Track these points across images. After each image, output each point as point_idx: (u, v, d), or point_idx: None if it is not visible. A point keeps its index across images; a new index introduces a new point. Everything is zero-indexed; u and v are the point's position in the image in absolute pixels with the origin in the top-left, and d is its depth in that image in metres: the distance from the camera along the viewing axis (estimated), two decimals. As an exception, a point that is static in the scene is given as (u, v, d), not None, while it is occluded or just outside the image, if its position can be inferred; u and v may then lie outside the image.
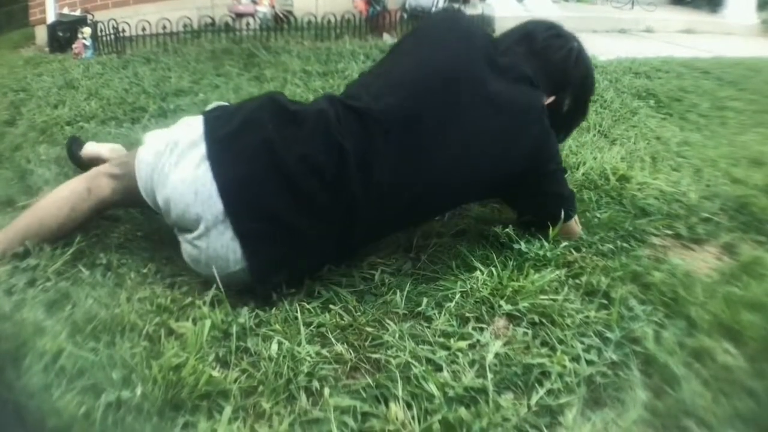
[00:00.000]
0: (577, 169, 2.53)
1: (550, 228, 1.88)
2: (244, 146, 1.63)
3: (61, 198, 1.78)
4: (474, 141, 1.72)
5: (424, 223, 1.99)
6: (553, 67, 1.89)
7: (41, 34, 5.84)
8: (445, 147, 1.69)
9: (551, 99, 1.89)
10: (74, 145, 2.51)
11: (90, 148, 2.45)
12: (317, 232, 1.64)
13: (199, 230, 1.59)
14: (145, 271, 1.71)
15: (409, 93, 1.72)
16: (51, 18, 5.74)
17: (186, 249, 1.65)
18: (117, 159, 2.01)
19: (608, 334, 1.51)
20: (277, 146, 1.61)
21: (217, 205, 1.57)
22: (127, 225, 1.99)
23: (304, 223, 1.62)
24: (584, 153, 2.68)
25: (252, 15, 6.04)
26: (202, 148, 1.62)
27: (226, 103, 1.91)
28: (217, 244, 1.59)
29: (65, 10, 5.79)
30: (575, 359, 1.42)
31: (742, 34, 8.28)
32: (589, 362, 1.42)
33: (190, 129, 1.68)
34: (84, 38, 5.18)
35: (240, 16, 6.03)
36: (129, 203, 1.84)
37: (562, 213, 1.87)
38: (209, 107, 1.82)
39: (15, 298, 1.54)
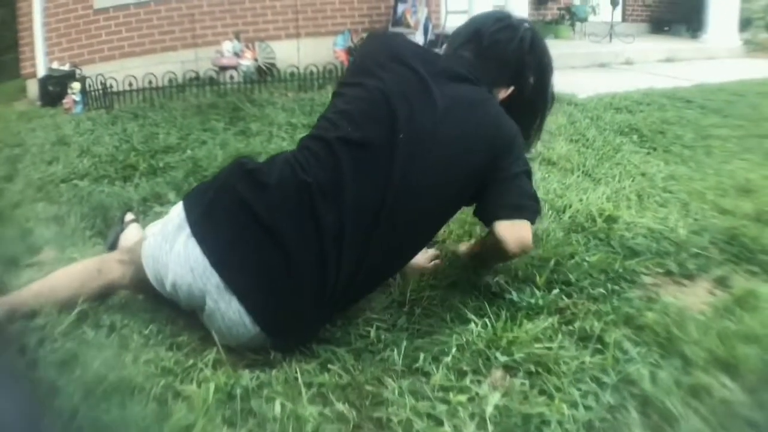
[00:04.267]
0: (564, 212, 2.57)
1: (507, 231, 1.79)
2: (221, 212, 1.72)
3: (74, 272, 1.88)
4: (436, 146, 1.73)
5: (410, 254, 1.94)
6: (506, 60, 1.91)
7: (33, 87, 5.94)
8: (409, 160, 1.71)
9: (510, 90, 1.93)
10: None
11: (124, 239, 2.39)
12: (309, 271, 1.66)
13: (208, 305, 1.66)
14: (147, 332, 1.75)
15: (364, 120, 1.76)
16: (41, 72, 5.84)
17: (211, 330, 1.70)
18: (126, 247, 2.10)
19: (604, 379, 1.53)
20: (250, 202, 1.69)
21: (214, 276, 1.64)
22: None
23: (294, 265, 1.65)
24: (570, 195, 2.72)
25: (235, 68, 6.12)
26: (186, 229, 1.71)
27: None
28: (229, 313, 1.65)
29: (55, 64, 5.87)
30: (573, 406, 1.44)
31: (725, 58, 8.32)
32: (587, 408, 1.44)
33: (174, 215, 1.79)
34: (74, 93, 5.23)
35: (224, 69, 6.11)
36: (137, 289, 1.88)
37: (528, 210, 1.83)
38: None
39: (27, 357, 1.59)
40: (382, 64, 1.86)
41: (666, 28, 10.07)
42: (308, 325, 1.73)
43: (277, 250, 1.66)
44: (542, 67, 1.98)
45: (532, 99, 1.97)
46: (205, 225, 1.71)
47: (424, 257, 2.21)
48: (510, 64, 1.92)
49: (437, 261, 2.21)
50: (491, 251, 1.92)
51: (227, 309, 1.64)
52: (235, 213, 1.70)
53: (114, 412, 1.40)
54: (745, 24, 9.35)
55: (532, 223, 1.82)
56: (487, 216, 1.84)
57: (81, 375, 1.51)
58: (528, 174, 1.85)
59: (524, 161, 1.86)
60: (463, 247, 2.24)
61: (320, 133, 1.81)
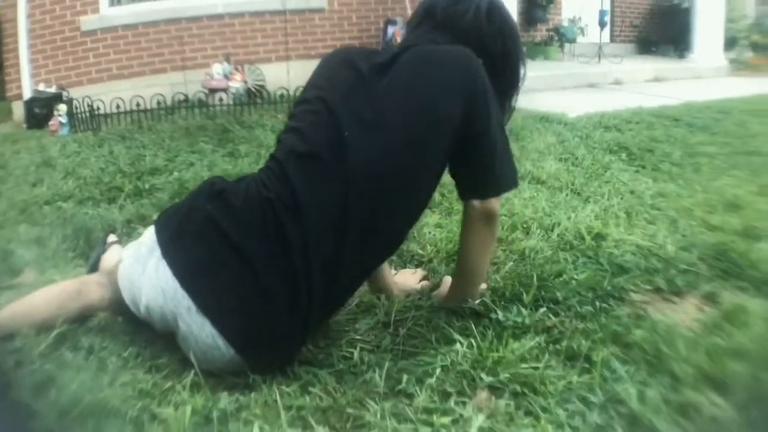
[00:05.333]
0: (552, 230, 2.55)
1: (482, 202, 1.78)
2: (191, 233, 1.71)
3: (53, 294, 1.87)
4: (391, 123, 1.70)
5: (400, 238, 1.89)
6: (465, 32, 1.83)
7: (18, 109, 5.93)
8: (363, 151, 1.68)
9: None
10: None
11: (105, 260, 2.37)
12: (280, 287, 1.63)
13: (181, 328, 1.63)
14: (125, 354, 1.72)
15: (311, 131, 1.74)
16: (27, 94, 5.85)
17: (188, 353, 1.66)
18: (106, 269, 2.08)
19: (591, 398, 1.49)
20: (219, 221, 1.67)
21: (185, 299, 1.61)
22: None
23: (264, 284, 1.62)
24: (558, 214, 2.71)
25: (225, 90, 6.13)
26: (157, 251, 1.68)
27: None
28: (203, 336, 1.61)
29: (41, 86, 5.87)
30: (560, 427, 1.40)
31: (712, 77, 8.47)
32: (574, 428, 1.40)
33: (146, 237, 1.77)
34: (60, 115, 5.23)
35: (213, 91, 6.11)
36: (116, 311, 1.86)
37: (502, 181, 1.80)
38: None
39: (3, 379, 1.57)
40: (324, 75, 1.87)
41: (653, 49, 10.22)
42: (284, 344, 1.68)
43: (247, 269, 1.63)
44: (505, 36, 1.88)
45: (500, 73, 1.85)
46: (176, 246, 1.69)
47: (412, 278, 2.19)
48: (469, 37, 1.82)
49: (426, 282, 2.18)
50: (474, 235, 1.83)
51: (200, 332, 1.61)
52: (205, 233, 1.68)
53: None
54: (731, 43, 9.52)
55: (506, 191, 1.82)
56: (464, 194, 1.82)
57: (57, 397, 1.49)
58: (505, 141, 1.82)
59: (497, 120, 1.79)
60: (441, 290, 2.09)
61: (275, 153, 1.81)
